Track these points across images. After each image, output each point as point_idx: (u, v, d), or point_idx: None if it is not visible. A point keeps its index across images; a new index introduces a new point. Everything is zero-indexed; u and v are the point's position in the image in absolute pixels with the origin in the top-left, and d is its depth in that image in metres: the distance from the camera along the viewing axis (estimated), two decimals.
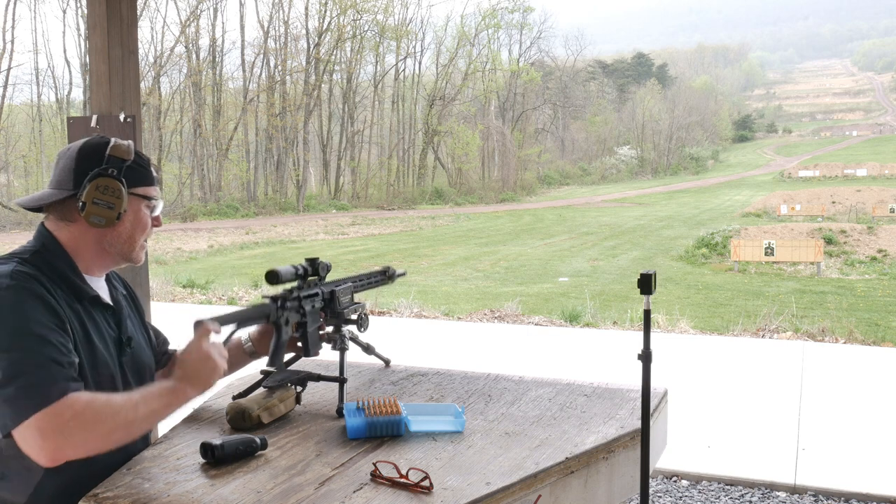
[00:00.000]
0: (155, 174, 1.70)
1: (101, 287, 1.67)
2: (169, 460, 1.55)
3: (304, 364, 1.97)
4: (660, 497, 3.67)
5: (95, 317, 1.59)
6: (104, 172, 1.57)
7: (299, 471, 1.48)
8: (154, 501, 1.36)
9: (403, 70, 52.47)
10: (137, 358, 1.70)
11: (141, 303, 1.87)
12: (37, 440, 1.36)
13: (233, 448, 1.53)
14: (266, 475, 1.47)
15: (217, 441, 1.52)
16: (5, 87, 34.99)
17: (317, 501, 1.36)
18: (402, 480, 1.41)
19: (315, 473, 1.47)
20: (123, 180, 1.59)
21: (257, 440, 1.57)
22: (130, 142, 1.63)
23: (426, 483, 1.40)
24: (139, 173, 1.64)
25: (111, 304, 1.66)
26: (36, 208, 1.62)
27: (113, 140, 1.61)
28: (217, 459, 1.51)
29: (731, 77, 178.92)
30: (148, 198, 1.66)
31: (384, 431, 1.66)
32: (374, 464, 1.47)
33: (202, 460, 1.54)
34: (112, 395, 1.48)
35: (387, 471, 1.44)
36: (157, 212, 1.71)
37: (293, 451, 1.59)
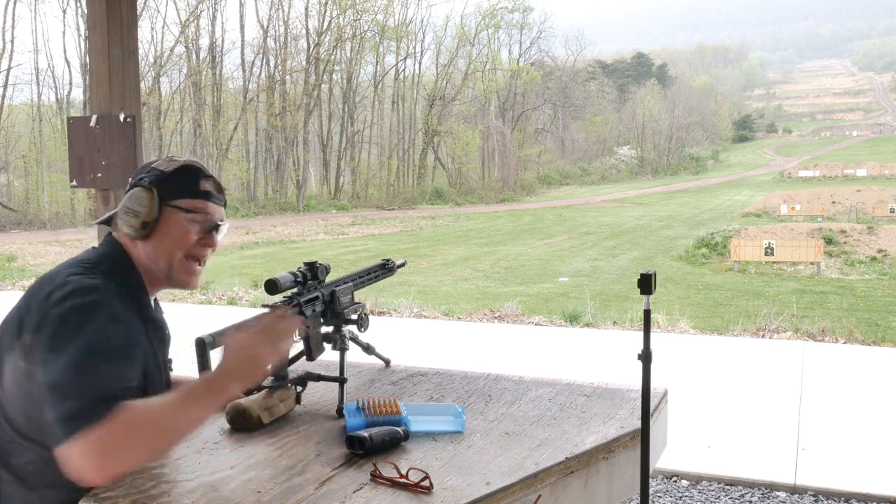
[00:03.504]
0: (211, 191, 1.63)
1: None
2: (169, 460, 1.55)
3: (304, 364, 1.97)
4: (660, 497, 3.67)
5: (151, 338, 1.59)
6: (139, 182, 1.59)
7: (299, 471, 1.48)
8: (154, 501, 1.36)
9: (403, 70, 52.52)
10: (169, 377, 1.70)
11: None
12: (80, 461, 1.29)
13: (380, 439, 1.57)
14: (266, 475, 1.47)
15: (365, 433, 1.56)
16: (5, 87, 34.99)
17: (317, 501, 1.36)
18: (402, 480, 1.41)
19: (315, 473, 1.47)
20: (154, 189, 1.57)
21: (401, 431, 1.60)
22: (190, 164, 1.62)
23: (426, 483, 1.40)
24: (180, 186, 1.60)
25: (161, 325, 1.65)
26: (105, 221, 1.65)
27: (172, 159, 1.63)
28: (366, 451, 1.54)
29: (731, 77, 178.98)
30: (187, 210, 1.59)
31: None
32: (374, 464, 1.47)
33: (202, 460, 1.54)
34: (150, 401, 1.39)
35: (387, 471, 1.44)
36: (212, 231, 1.62)
37: (293, 451, 1.59)
